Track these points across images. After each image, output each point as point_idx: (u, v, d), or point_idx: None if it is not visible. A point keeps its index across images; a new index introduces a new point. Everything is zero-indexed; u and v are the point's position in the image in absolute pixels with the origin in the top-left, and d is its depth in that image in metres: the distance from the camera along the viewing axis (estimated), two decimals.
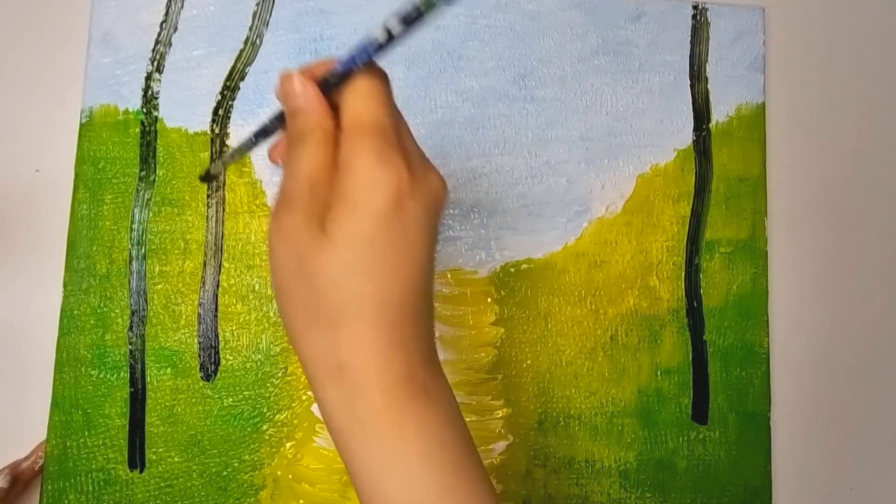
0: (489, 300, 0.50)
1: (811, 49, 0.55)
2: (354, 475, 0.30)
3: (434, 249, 0.30)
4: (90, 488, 0.45)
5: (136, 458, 0.46)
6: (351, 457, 0.29)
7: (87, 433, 0.46)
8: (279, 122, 0.33)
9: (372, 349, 0.28)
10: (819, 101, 0.55)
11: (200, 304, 0.47)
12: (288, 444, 0.47)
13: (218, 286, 0.48)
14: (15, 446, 0.45)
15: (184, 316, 0.47)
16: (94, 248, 0.47)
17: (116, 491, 0.45)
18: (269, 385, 0.47)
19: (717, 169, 0.53)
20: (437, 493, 0.29)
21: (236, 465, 0.46)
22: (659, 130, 0.53)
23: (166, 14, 0.49)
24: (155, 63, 0.49)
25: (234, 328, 0.47)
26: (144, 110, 0.48)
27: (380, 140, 0.28)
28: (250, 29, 0.50)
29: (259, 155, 0.49)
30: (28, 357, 0.46)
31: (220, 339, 0.47)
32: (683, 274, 0.51)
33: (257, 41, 0.50)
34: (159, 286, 0.47)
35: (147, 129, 0.48)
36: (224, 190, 0.48)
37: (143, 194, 0.48)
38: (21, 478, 0.43)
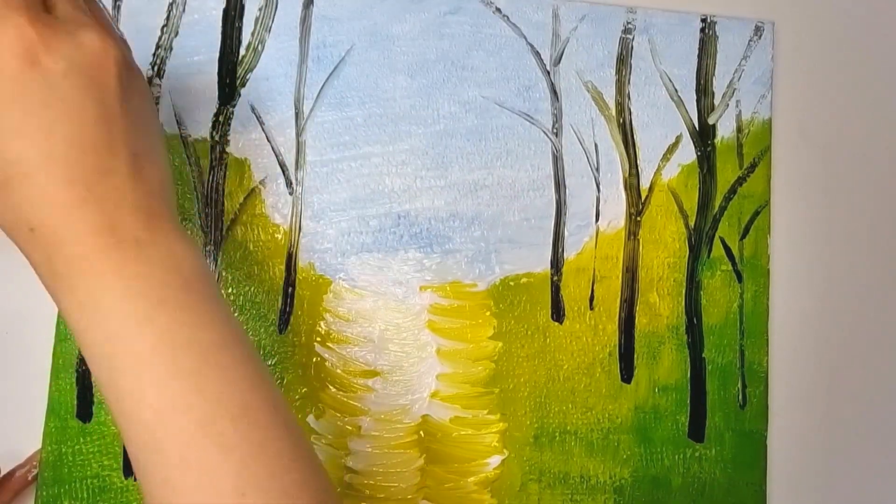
0: (488, 314, 0.49)
1: (820, 65, 0.55)
2: (72, 332, 0.31)
3: (116, 102, 0.31)
4: (85, 495, 0.45)
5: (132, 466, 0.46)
6: (65, 317, 0.30)
7: (82, 440, 0.45)
8: None
9: (52, 205, 0.29)
10: (827, 119, 0.54)
11: None
12: None
13: None
14: (9, 452, 0.45)
15: None
16: None
17: (111, 498, 0.45)
18: None
19: (721, 185, 0.52)
20: (136, 324, 0.29)
21: None
22: (663, 145, 0.52)
23: (167, 18, 0.49)
24: (155, 68, 0.48)
25: None
26: None
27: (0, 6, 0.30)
28: (252, 34, 0.49)
29: (258, 163, 0.49)
30: (24, 363, 0.46)
31: None
32: (684, 291, 0.51)
33: (259, 47, 0.49)
34: None
35: None
36: (223, 198, 0.48)
37: None
38: (11, 487, 0.43)
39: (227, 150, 0.48)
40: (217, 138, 0.48)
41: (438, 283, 0.49)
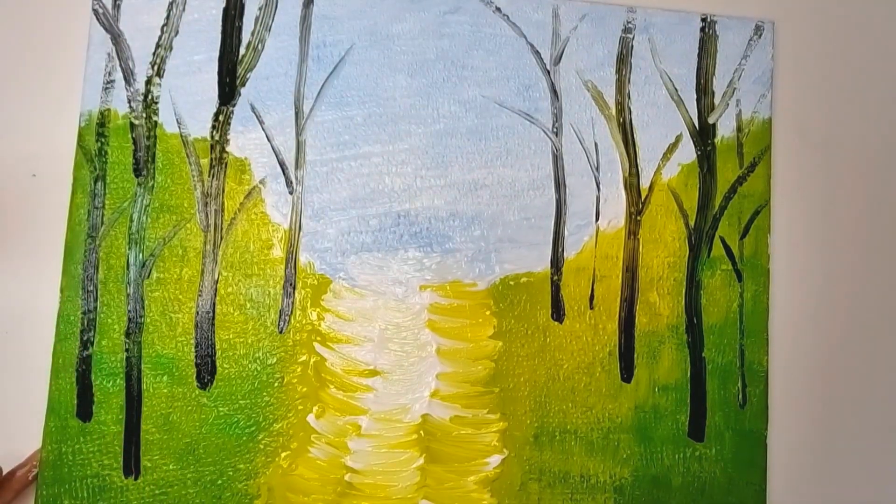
0: (488, 313, 0.49)
1: (820, 65, 0.55)
2: None
3: None
4: (85, 494, 0.45)
5: (132, 464, 0.46)
6: None
7: (82, 439, 0.45)
8: None
9: None
10: (826, 118, 0.54)
11: (197, 312, 0.47)
12: (283, 454, 0.47)
13: (215, 294, 0.47)
14: (10, 452, 0.45)
15: (181, 324, 0.47)
16: (92, 254, 0.47)
17: (111, 497, 0.45)
18: (264, 394, 0.47)
19: (721, 184, 0.52)
20: None
21: (231, 473, 0.46)
22: (663, 144, 0.52)
23: (167, 17, 0.49)
24: (155, 67, 0.48)
25: (230, 337, 0.47)
26: (144, 115, 0.48)
27: None
28: (252, 34, 0.49)
29: (258, 162, 0.49)
30: (24, 363, 0.46)
31: (217, 347, 0.47)
32: (684, 290, 0.51)
33: (259, 46, 0.49)
34: (157, 293, 0.47)
35: (146, 134, 0.48)
36: (223, 197, 0.48)
37: (142, 200, 0.47)
38: (12, 486, 0.43)
39: (227, 149, 0.48)
40: (217, 137, 0.48)
41: (438, 283, 0.49)
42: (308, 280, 0.48)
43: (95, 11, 0.48)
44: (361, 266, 0.49)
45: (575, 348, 0.50)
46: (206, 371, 0.47)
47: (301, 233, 0.48)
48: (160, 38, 0.48)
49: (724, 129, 0.53)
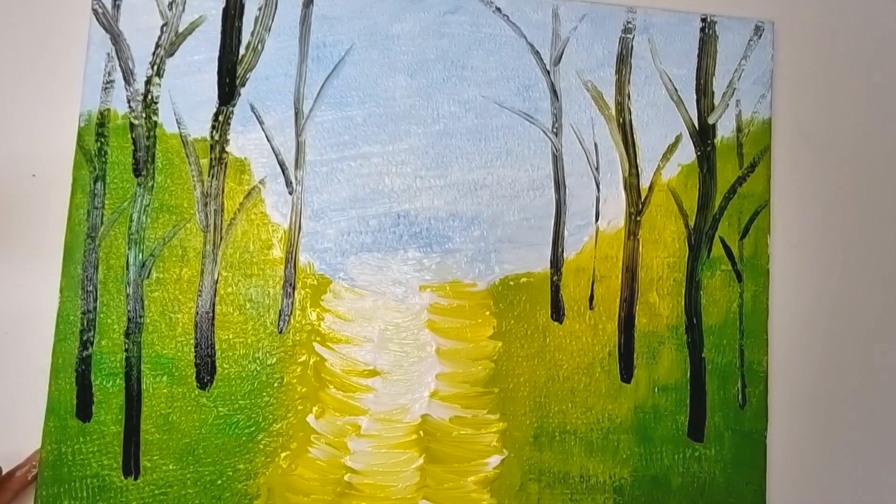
0: (487, 313, 0.49)
1: (820, 65, 0.55)
2: None
3: None
4: (84, 494, 0.45)
5: (131, 465, 0.46)
6: None
7: (82, 439, 0.45)
8: None
9: None
10: (826, 119, 0.54)
11: (197, 313, 0.47)
12: (282, 454, 0.47)
13: (215, 294, 0.47)
14: (9, 452, 0.45)
15: (180, 324, 0.47)
16: (91, 254, 0.47)
17: (111, 497, 0.45)
18: (264, 395, 0.47)
19: (720, 185, 0.52)
20: None
21: (231, 474, 0.46)
22: (663, 145, 0.52)
23: (167, 17, 0.48)
24: (155, 67, 0.48)
25: (230, 337, 0.47)
26: (143, 115, 0.48)
27: None
28: (252, 34, 0.49)
29: (258, 162, 0.49)
30: (24, 363, 0.46)
31: (217, 347, 0.47)
32: (684, 290, 0.51)
33: (259, 46, 0.49)
34: (156, 293, 0.47)
35: (146, 134, 0.48)
36: (223, 197, 0.48)
37: (141, 200, 0.47)
38: (11, 486, 0.43)
39: (227, 149, 0.48)
40: (217, 138, 0.48)
41: (438, 283, 0.49)
42: (308, 280, 0.48)
43: (95, 11, 0.48)
44: (361, 266, 0.49)
45: (575, 349, 0.50)
46: (205, 371, 0.47)
47: (301, 233, 0.48)
48: (160, 37, 0.48)
49: (724, 129, 0.53)
